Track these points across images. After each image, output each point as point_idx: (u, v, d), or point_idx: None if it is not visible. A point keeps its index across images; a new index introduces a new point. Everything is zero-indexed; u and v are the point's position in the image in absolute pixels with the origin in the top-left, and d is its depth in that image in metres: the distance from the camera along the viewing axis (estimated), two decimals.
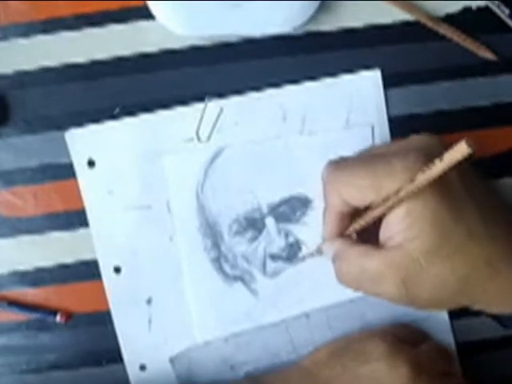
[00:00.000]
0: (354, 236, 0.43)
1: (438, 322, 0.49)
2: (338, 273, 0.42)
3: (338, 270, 0.42)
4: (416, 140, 0.40)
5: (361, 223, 0.41)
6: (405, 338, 0.46)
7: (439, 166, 0.34)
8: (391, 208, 0.38)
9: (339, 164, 0.42)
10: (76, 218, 0.47)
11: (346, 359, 0.46)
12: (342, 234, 0.43)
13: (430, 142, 0.39)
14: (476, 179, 0.40)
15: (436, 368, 0.46)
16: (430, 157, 0.35)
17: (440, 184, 0.36)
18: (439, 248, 0.37)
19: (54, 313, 0.48)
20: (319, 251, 0.46)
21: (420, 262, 0.37)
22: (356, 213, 0.42)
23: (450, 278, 0.38)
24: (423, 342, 0.47)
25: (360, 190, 0.39)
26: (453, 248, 0.37)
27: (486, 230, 0.38)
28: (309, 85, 0.47)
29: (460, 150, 0.32)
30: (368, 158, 0.40)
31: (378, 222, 0.40)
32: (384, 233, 0.39)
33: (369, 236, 0.41)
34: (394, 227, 0.38)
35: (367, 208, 0.40)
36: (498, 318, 0.42)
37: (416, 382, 0.43)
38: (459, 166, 0.34)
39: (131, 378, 0.49)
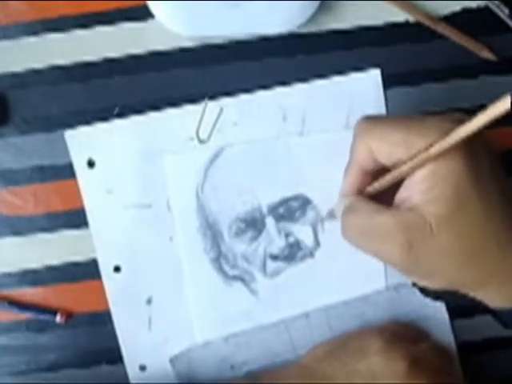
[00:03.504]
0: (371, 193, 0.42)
1: (438, 322, 0.49)
2: (345, 226, 0.41)
3: (346, 222, 0.41)
4: (452, 115, 0.39)
5: (383, 182, 0.40)
6: (403, 336, 0.46)
7: (478, 120, 0.32)
8: (418, 166, 0.36)
9: (373, 119, 0.40)
10: (76, 218, 0.47)
11: (343, 355, 0.46)
12: (360, 193, 0.41)
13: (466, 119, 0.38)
14: (501, 169, 0.40)
15: (433, 366, 0.45)
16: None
17: (469, 154, 0.36)
18: (454, 216, 0.36)
19: (54, 313, 0.48)
20: (331, 214, 0.45)
21: (432, 226, 0.36)
22: (377, 174, 0.40)
23: (458, 250, 0.37)
24: (422, 341, 0.47)
25: (391, 145, 0.37)
26: (468, 219, 0.36)
27: (502, 210, 0.37)
28: (309, 85, 0.47)
29: (503, 105, 0.31)
30: (403, 118, 0.39)
31: (394, 188, 0.39)
32: (402, 193, 0.38)
33: (383, 202, 0.40)
34: (415, 187, 0.36)
35: (389, 170, 0.39)
36: (498, 316, 0.42)
37: (412, 378, 0.43)
38: (491, 151, 0.33)
39: (131, 377, 0.49)
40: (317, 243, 0.48)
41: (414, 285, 0.48)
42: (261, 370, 0.48)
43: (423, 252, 0.37)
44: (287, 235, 0.48)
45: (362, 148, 0.39)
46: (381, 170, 0.40)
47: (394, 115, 0.43)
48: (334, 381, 0.45)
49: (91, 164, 0.47)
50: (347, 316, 0.49)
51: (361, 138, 0.40)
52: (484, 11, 0.47)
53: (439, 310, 0.49)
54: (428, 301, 0.49)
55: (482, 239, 0.37)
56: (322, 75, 0.47)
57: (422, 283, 0.40)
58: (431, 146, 0.35)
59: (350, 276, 0.48)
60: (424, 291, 0.48)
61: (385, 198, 0.40)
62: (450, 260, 0.37)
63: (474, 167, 0.36)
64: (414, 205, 0.36)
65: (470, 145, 0.35)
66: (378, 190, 0.40)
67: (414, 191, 0.37)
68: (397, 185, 0.39)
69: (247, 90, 0.47)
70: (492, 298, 0.40)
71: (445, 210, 0.36)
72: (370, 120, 0.40)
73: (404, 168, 0.37)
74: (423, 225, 0.36)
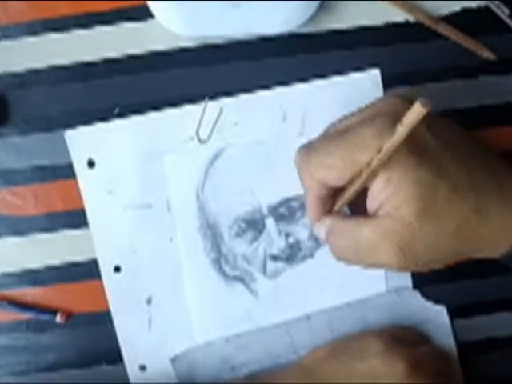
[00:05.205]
0: (346, 210, 0.42)
1: (439, 325, 0.49)
2: (334, 249, 0.41)
3: (334, 245, 0.41)
4: (382, 104, 0.40)
5: (344, 200, 0.40)
6: (403, 339, 0.47)
7: (401, 131, 0.33)
8: (369, 180, 0.37)
9: (309, 147, 0.41)
10: (76, 218, 0.47)
11: (344, 357, 0.46)
12: (328, 213, 0.42)
13: (396, 103, 0.39)
14: (455, 131, 0.40)
15: (433, 368, 0.46)
16: (397, 119, 0.34)
17: (414, 145, 0.36)
18: (427, 207, 0.37)
19: (54, 313, 0.48)
20: (311, 236, 0.46)
21: (413, 224, 0.37)
22: (337, 191, 0.41)
23: (443, 233, 0.37)
24: (422, 344, 0.47)
25: (333, 170, 0.38)
26: (440, 204, 0.37)
27: (469, 180, 0.38)
28: (309, 85, 0.47)
29: (416, 112, 0.32)
30: (336, 134, 0.40)
31: (363, 193, 0.39)
32: (371, 204, 0.38)
33: (358, 208, 0.41)
34: (379, 197, 0.37)
35: (346, 184, 0.40)
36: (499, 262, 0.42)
37: (412, 379, 0.43)
38: (433, 122, 0.34)
39: (131, 378, 0.49)
40: (317, 244, 0.48)
41: (415, 288, 0.48)
42: (261, 371, 0.48)
43: (414, 249, 0.38)
44: (287, 236, 0.48)
45: (309, 178, 0.40)
46: (337, 190, 0.40)
47: (327, 133, 0.43)
48: (334, 381, 0.45)
49: (91, 164, 0.47)
50: (348, 319, 0.48)
51: (303, 170, 0.40)
52: (484, 11, 0.47)
53: (440, 313, 0.49)
54: (429, 304, 0.49)
55: (460, 213, 0.37)
56: (322, 75, 0.47)
57: (425, 270, 0.41)
58: (371, 161, 0.36)
59: (350, 276, 0.48)
60: (425, 294, 0.48)
61: (358, 203, 0.41)
62: (440, 244, 0.38)
63: (424, 157, 0.37)
64: (388, 212, 0.37)
65: (411, 137, 0.35)
66: (343, 206, 0.41)
67: (380, 200, 0.37)
68: (362, 193, 0.39)
69: (247, 90, 0.47)
70: (486, 252, 0.41)
71: (417, 207, 0.36)
72: (307, 148, 0.41)
73: (357, 184, 0.38)
74: (405, 227, 0.37)
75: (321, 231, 0.42)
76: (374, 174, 0.37)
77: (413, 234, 0.37)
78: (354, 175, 0.38)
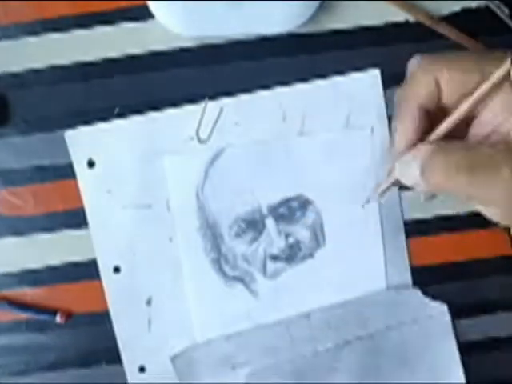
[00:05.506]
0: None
1: (439, 322, 0.49)
2: (443, 169, 0.34)
3: (442, 165, 0.34)
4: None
5: (455, 116, 0.35)
6: None
7: None
8: (488, 95, 0.34)
9: (431, 55, 0.37)
10: (76, 218, 0.47)
11: None
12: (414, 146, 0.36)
13: None
14: None
15: None
16: None
17: None
18: None
19: (54, 313, 0.48)
20: (383, 190, 0.42)
21: None
22: (430, 125, 0.37)
23: None
24: None
25: (465, 72, 0.35)
26: None
27: None
28: (308, 85, 0.47)
29: None
30: (467, 51, 0.37)
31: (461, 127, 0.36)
32: (482, 130, 0.36)
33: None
34: (495, 119, 0.35)
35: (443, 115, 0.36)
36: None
37: None
38: None
39: (130, 378, 0.49)
40: (317, 244, 0.48)
41: (415, 285, 0.48)
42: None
43: None
44: (287, 236, 0.48)
45: (426, 81, 0.36)
46: (432, 120, 0.37)
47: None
48: None
49: (91, 164, 0.47)
50: (348, 316, 0.48)
51: (425, 71, 0.36)
52: (484, 11, 0.47)
53: (440, 309, 0.49)
54: (428, 301, 0.48)
55: None
56: (321, 75, 0.47)
57: None
58: (495, 72, 0.33)
59: (350, 276, 0.48)
60: (424, 291, 0.48)
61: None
62: None
63: None
64: (504, 139, 0.34)
65: None
66: (446, 131, 0.36)
67: (499, 121, 0.34)
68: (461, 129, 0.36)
69: (247, 90, 0.47)
70: None
71: None
72: (430, 55, 0.37)
73: (476, 95, 0.34)
74: None
75: (413, 163, 0.35)
76: (493, 90, 0.33)
77: None
78: (472, 89, 0.34)
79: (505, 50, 0.34)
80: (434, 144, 0.35)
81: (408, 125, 0.37)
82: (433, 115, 0.37)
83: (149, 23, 0.46)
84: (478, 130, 0.36)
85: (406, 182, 0.37)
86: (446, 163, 0.34)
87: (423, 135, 0.37)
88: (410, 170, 0.36)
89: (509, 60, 0.33)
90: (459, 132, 0.36)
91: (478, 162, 0.34)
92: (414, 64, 0.37)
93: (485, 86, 0.34)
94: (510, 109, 0.34)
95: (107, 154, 0.47)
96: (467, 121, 0.36)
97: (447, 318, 0.49)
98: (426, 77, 0.36)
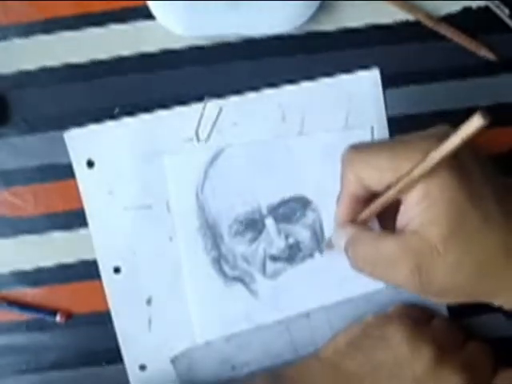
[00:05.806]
0: (375, 222, 0.41)
1: None
2: (354, 257, 0.40)
3: (354, 254, 0.40)
4: (436, 130, 0.39)
5: (373, 208, 0.40)
6: (418, 318, 0.46)
7: (454, 140, 0.32)
8: (404, 190, 0.36)
9: (359, 147, 0.40)
10: (76, 218, 0.47)
11: (365, 347, 0.45)
12: (353, 221, 0.41)
13: (449, 130, 0.37)
14: (493, 169, 0.39)
15: (451, 340, 0.45)
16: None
17: (458, 167, 0.36)
18: (456, 233, 0.36)
19: (54, 313, 0.48)
20: (329, 244, 0.45)
21: (437, 248, 0.36)
22: (367, 202, 0.40)
23: (466, 264, 0.36)
24: (432, 318, 0.47)
25: (379, 171, 0.38)
26: (469, 233, 0.36)
27: (502, 216, 0.37)
28: (308, 85, 0.47)
29: (475, 122, 0.31)
30: (388, 142, 0.40)
31: (388, 212, 0.39)
32: (402, 219, 0.38)
33: (386, 225, 0.40)
34: (411, 211, 0.37)
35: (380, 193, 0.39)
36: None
37: (439, 362, 0.43)
38: (478, 155, 0.33)
39: (131, 378, 0.49)
40: (317, 244, 0.48)
41: None
42: (282, 366, 0.48)
43: (433, 273, 0.37)
44: (287, 236, 0.48)
45: (352, 176, 0.39)
46: (371, 197, 0.40)
47: (379, 141, 0.43)
48: (359, 377, 0.44)
49: (91, 164, 0.47)
50: (348, 316, 0.48)
51: (349, 167, 0.40)
52: (484, 11, 0.47)
53: (440, 309, 0.49)
54: (428, 300, 0.48)
55: (488, 247, 0.37)
56: (321, 75, 0.47)
57: (436, 301, 0.40)
58: (414, 168, 0.35)
59: (350, 276, 0.48)
60: None
61: (382, 223, 0.41)
62: (460, 276, 0.37)
63: (465, 180, 0.36)
64: (417, 229, 0.36)
65: (456, 156, 0.34)
66: (370, 216, 0.41)
67: (411, 215, 0.37)
68: (393, 209, 0.39)
69: (247, 90, 0.47)
70: (509, 302, 0.39)
71: (447, 229, 0.36)
72: (356, 148, 0.40)
73: (392, 192, 0.37)
74: (429, 248, 0.36)
75: (341, 239, 0.41)
76: (410, 185, 0.36)
77: (435, 258, 0.36)
78: (391, 183, 0.37)
79: (424, 137, 0.37)
80: (355, 229, 0.40)
81: (342, 207, 0.41)
82: (367, 198, 0.40)
83: (148, 23, 0.46)
84: (401, 216, 0.38)
85: (339, 250, 0.42)
86: (355, 253, 0.40)
87: (357, 215, 0.41)
88: (340, 243, 0.41)
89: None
90: (393, 214, 0.39)
91: (378, 259, 0.38)
92: (344, 156, 0.40)
93: (399, 185, 0.37)
94: (425, 201, 0.36)
95: (106, 154, 0.47)
96: (397, 205, 0.38)
97: (446, 316, 0.49)
98: (350, 174, 0.40)
